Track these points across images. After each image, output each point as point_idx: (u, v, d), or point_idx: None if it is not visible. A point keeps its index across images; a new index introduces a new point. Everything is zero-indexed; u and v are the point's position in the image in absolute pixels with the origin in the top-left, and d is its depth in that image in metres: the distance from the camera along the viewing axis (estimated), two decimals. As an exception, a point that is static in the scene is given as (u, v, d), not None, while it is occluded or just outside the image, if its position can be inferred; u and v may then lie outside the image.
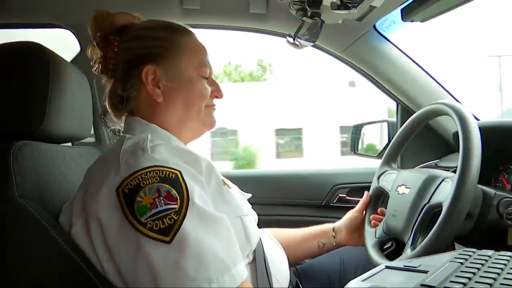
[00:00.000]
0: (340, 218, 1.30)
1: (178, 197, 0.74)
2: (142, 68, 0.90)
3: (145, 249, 0.70)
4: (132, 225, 0.71)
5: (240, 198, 0.98)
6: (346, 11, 0.99)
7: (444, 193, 0.97)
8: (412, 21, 1.33)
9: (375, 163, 1.78)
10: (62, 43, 1.50)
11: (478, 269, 0.53)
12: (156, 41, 0.93)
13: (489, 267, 0.54)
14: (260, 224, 1.06)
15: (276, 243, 1.14)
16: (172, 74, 0.92)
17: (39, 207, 0.79)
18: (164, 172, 0.76)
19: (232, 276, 0.73)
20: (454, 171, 0.94)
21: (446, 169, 1.36)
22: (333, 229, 1.26)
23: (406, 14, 1.31)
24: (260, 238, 0.98)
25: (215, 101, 1.01)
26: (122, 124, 0.98)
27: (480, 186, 0.99)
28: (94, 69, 0.97)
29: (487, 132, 0.98)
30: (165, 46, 0.92)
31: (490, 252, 0.61)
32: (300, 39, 1.25)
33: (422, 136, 1.66)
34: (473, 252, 0.62)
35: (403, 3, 1.30)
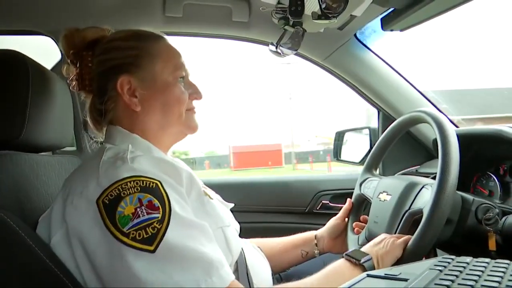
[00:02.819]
0: (323, 225, 1.31)
1: (160, 206, 0.74)
2: (116, 79, 0.90)
3: (128, 259, 0.70)
4: (114, 236, 0.71)
5: (222, 208, 0.97)
6: (327, 21, 1.00)
7: (424, 200, 0.99)
8: (391, 30, 1.36)
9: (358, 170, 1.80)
10: (42, 50, 1.48)
11: (457, 276, 0.54)
12: (127, 51, 0.92)
13: (467, 274, 0.55)
14: (243, 232, 1.06)
15: (259, 252, 1.13)
16: (147, 81, 0.91)
17: (18, 218, 0.77)
18: (144, 182, 0.76)
19: (220, 276, 0.73)
20: (434, 178, 0.96)
21: (427, 175, 1.38)
22: (316, 237, 1.27)
23: (386, 24, 1.33)
24: (242, 249, 0.98)
25: (195, 103, 1.00)
26: (102, 135, 0.97)
27: (458, 192, 1.01)
28: (72, 86, 0.96)
29: (465, 139, 1.01)
30: (136, 54, 0.92)
31: (468, 259, 0.63)
32: (283, 47, 1.26)
33: (402, 143, 1.69)
34: (452, 259, 0.63)
35: (383, 13, 1.33)
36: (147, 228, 0.71)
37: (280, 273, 1.28)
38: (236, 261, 0.94)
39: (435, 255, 1.14)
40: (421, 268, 0.59)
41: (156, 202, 0.74)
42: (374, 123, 1.86)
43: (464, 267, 0.58)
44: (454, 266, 0.60)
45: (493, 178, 1.31)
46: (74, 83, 0.95)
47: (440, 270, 0.57)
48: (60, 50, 1.53)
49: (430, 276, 0.54)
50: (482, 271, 0.57)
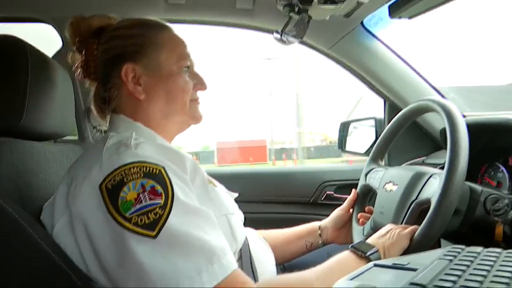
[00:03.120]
0: (327, 215, 1.29)
1: (163, 192, 0.73)
2: (121, 67, 0.90)
3: (131, 244, 0.69)
4: (117, 221, 0.70)
5: (226, 197, 0.97)
6: (333, 6, 0.98)
7: (432, 189, 0.97)
8: (399, 17, 1.33)
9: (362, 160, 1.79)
10: (44, 38, 1.47)
11: (468, 266, 0.53)
12: (132, 39, 0.92)
13: (478, 264, 0.53)
14: (247, 222, 1.05)
15: (263, 242, 1.13)
16: (151, 70, 0.91)
17: (19, 206, 0.76)
18: (147, 167, 0.75)
19: (222, 265, 0.72)
20: (441, 168, 0.94)
21: (433, 165, 1.36)
22: (320, 228, 1.26)
23: (394, 11, 1.31)
24: (246, 237, 0.97)
25: (199, 93, 0.99)
26: (106, 124, 0.97)
27: (467, 182, 1.00)
28: (77, 74, 0.97)
29: (473, 129, 0.99)
30: (141, 43, 0.92)
31: (479, 249, 0.61)
32: (288, 35, 1.24)
33: (408, 133, 1.67)
34: (462, 249, 0.61)
35: (390, 0, 1.30)
36: (149, 214, 0.71)
37: (284, 264, 1.27)
38: (240, 249, 0.93)
39: (439, 246, 1.13)
40: (430, 258, 0.57)
41: (159, 188, 0.73)
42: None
43: (475, 257, 0.57)
44: (464, 256, 0.58)
45: (502, 169, 1.29)
46: (79, 70, 0.96)
47: (450, 260, 0.55)
48: (62, 38, 1.52)
49: (440, 266, 0.53)
50: (494, 261, 0.55)
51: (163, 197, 0.73)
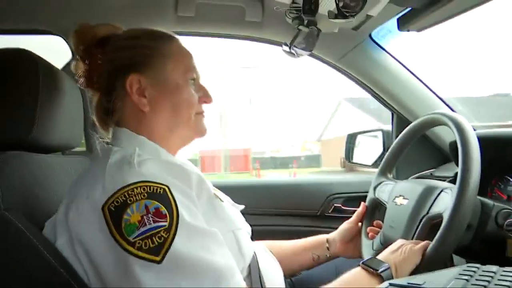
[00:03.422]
0: (335, 228, 1.28)
1: (167, 214, 0.71)
2: (126, 78, 0.88)
3: (135, 270, 0.68)
4: (120, 245, 0.69)
5: (233, 211, 0.95)
6: (343, 20, 0.98)
7: (443, 204, 0.96)
8: (408, 30, 1.32)
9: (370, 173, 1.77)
10: (54, 50, 1.48)
11: (485, 286, 0.52)
12: (138, 50, 0.90)
13: (495, 284, 0.53)
14: (254, 235, 1.04)
15: (271, 256, 1.11)
16: (157, 81, 0.90)
17: (25, 219, 0.76)
18: (151, 187, 0.73)
19: (230, 286, 0.71)
20: (451, 181, 0.93)
21: (442, 179, 1.35)
22: (327, 241, 1.24)
23: (403, 24, 1.30)
24: (254, 252, 0.96)
25: (204, 106, 0.98)
26: (110, 136, 0.95)
27: (478, 197, 0.98)
28: (79, 83, 0.95)
29: (483, 142, 0.98)
30: (148, 53, 0.90)
31: (494, 268, 0.60)
32: (296, 47, 1.24)
33: (417, 146, 1.65)
34: (477, 268, 0.60)
35: (399, 13, 1.30)
36: (153, 238, 0.69)
37: (292, 278, 1.26)
38: (249, 265, 0.91)
39: (452, 262, 1.11)
40: (446, 277, 0.56)
41: (163, 209, 0.71)
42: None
43: (492, 277, 0.56)
44: (480, 275, 0.57)
45: (512, 182, 1.28)
46: (82, 79, 0.94)
47: (467, 280, 0.54)
48: (71, 50, 1.53)
49: (457, 286, 0.52)
50: (511, 281, 0.54)
51: (168, 218, 0.71)
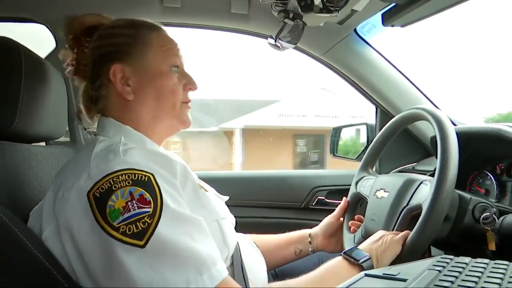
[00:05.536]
0: (319, 221, 1.30)
1: (151, 200, 0.72)
2: (109, 66, 0.89)
3: (119, 254, 0.68)
4: (105, 230, 0.69)
5: (217, 201, 0.96)
6: (328, 15, 0.99)
7: (423, 195, 0.98)
8: (392, 25, 1.34)
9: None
10: (37, 39, 1.46)
11: (456, 277, 0.53)
12: (122, 38, 0.91)
13: (466, 275, 0.54)
14: (238, 227, 1.05)
15: (255, 248, 1.12)
16: (140, 70, 0.90)
17: (9, 211, 0.76)
18: (136, 175, 0.74)
19: (211, 275, 0.72)
20: (431, 175, 0.95)
21: (423, 172, 1.38)
22: (310, 235, 1.26)
23: (387, 19, 1.31)
24: (237, 243, 0.97)
25: (191, 95, 0.98)
26: (95, 125, 0.95)
27: (456, 190, 1.01)
28: (67, 71, 0.96)
29: (463, 137, 1.00)
30: (131, 42, 0.91)
31: (467, 259, 0.62)
32: (282, 40, 1.25)
33: (399, 140, 1.68)
34: (451, 259, 0.62)
35: (384, 8, 1.31)
36: (137, 223, 0.70)
37: (276, 270, 1.28)
38: (232, 256, 0.93)
39: (429, 253, 1.14)
40: (420, 268, 0.58)
41: (147, 196, 0.72)
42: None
43: (463, 268, 0.58)
44: (453, 266, 0.59)
45: (490, 177, 1.31)
46: (69, 68, 0.95)
47: (439, 271, 0.56)
48: (55, 39, 1.51)
49: (430, 277, 0.53)
50: (482, 272, 0.56)
51: (152, 205, 0.72)
